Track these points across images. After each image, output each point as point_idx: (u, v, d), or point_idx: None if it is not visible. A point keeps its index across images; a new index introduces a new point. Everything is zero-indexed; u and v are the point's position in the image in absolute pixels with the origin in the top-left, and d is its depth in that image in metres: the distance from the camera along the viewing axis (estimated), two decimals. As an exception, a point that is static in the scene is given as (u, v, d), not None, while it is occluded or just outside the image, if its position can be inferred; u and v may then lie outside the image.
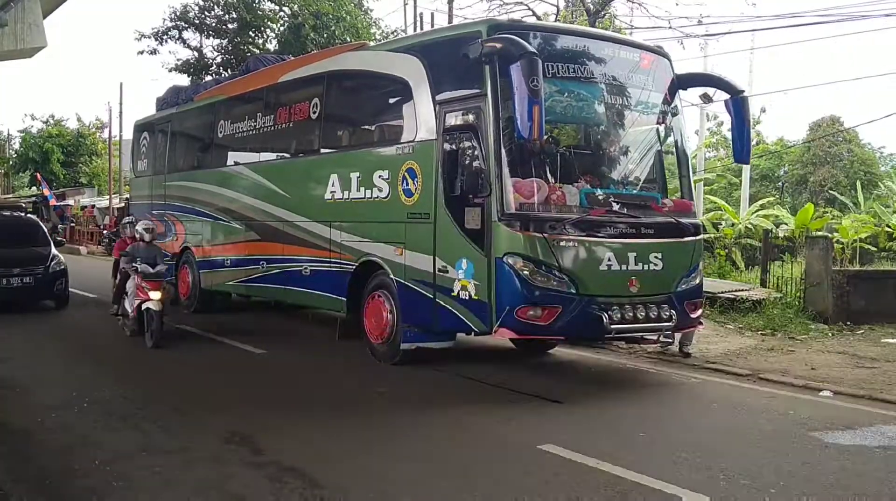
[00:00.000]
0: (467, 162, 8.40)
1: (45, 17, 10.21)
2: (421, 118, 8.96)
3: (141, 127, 16.24)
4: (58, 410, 7.27)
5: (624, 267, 8.19)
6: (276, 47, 25.47)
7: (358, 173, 9.87)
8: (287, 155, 11.82)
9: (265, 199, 11.78)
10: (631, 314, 8.08)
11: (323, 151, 10.69)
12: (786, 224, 21.52)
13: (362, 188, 9.79)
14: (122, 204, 33.54)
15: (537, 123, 7.38)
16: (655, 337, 8.86)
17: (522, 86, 7.43)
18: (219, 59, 26.58)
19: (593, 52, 8.54)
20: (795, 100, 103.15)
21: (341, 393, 8.29)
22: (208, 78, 23.20)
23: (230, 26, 26.32)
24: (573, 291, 7.98)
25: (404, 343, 9.18)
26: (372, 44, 10.44)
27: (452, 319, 8.51)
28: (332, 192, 10.32)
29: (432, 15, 22.98)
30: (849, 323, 12.48)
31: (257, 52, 25.21)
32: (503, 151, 8.01)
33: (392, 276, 9.25)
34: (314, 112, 10.82)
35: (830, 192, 39.30)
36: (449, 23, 19.45)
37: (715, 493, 5.19)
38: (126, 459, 5.82)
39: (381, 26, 27.34)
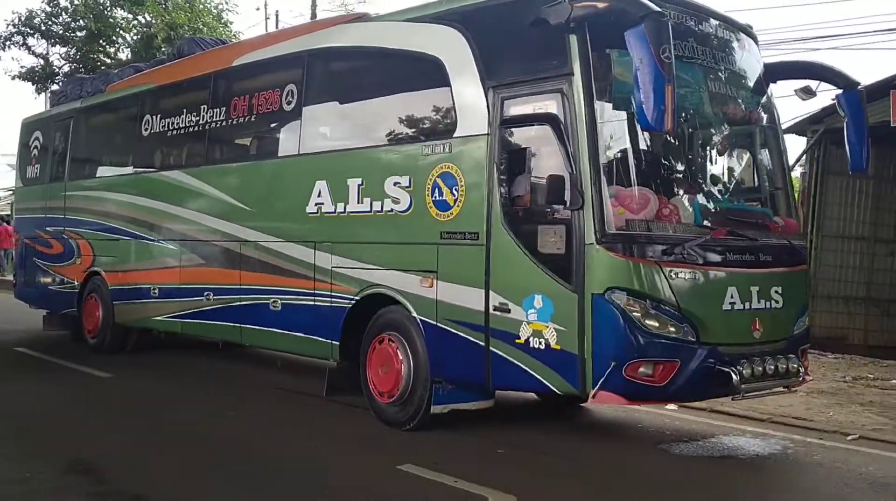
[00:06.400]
0: (543, 164, 5.97)
1: None
2: (462, 108, 6.47)
3: (31, 126, 12.68)
4: None
5: (747, 305, 5.97)
6: (129, 57, 23.18)
7: (360, 180, 7.22)
8: (247, 157, 8.97)
9: (213, 213, 8.84)
10: (760, 368, 5.86)
11: (304, 151, 7.90)
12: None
13: (367, 199, 7.14)
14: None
15: (671, 109, 5.10)
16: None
17: (648, 58, 5.13)
18: (66, 68, 24.09)
19: (692, 27, 6.29)
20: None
21: (194, 418, 7.35)
22: (55, 87, 20.63)
23: (78, 34, 23.97)
24: (693, 338, 5.69)
25: (436, 405, 6.59)
26: (376, 14, 7.71)
27: (518, 375, 6.03)
28: (317, 204, 7.60)
29: (294, 29, 20.46)
30: None
31: (108, 61, 23.18)
32: (600, 149, 5.65)
33: (415, 314, 6.67)
34: (289, 102, 8.06)
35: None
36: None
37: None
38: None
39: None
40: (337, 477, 5.61)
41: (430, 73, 6.74)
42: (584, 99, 5.66)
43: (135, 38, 24.33)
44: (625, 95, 5.71)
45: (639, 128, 5.74)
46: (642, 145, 5.96)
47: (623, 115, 5.82)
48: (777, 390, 6.18)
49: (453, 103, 6.53)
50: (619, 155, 5.80)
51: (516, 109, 6.12)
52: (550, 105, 5.88)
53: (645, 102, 5.12)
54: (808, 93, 6.89)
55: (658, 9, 5.25)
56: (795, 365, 6.09)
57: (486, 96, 6.25)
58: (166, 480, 5.48)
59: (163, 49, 21.34)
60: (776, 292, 6.16)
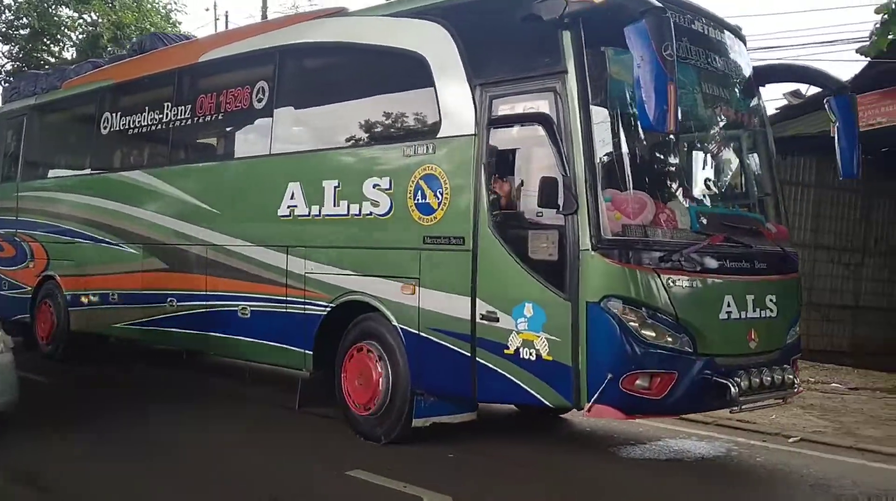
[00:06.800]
0: (534, 166, 5.67)
1: None
2: (447, 107, 6.11)
3: (-19, 123, 12.08)
4: None
5: (743, 314, 5.70)
6: (74, 56, 22.45)
7: (336, 182, 6.82)
8: (214, 157, 8.49)
9: (177, 215, 8.32)
10: (757, 380, 5.58)
11: (275, 151, 7.47)
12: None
13: (343, 202, 6.74)
14: None
15: (673, 108, 4.82)
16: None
17: (650, 56, 4.86)
18: (9, 66, 23.43)
19: (686, 27, 5.98)
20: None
21: (144, 425, 6.88)
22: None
23: (21, 32, 23.16)
24: (690, 349, 5.41)
25: (417, 418, 6.22)
26: (354, 9, 7.31)
27: (506, 387, 5.68)
28: (290, 207, 7.17)
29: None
30: None
31: (53, 60, 22.44)
32: (596, 151, 5.35)
33: (395, 323, 6.29)
34: (259, 100, 7.62)
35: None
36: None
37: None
38: None
39: None
40: (282, 484, 5.44)
41: (412, 70, 6.37)
42: (579, 98, 5.35)
43: (80, 37, 23.58)
44: (620, 95, 5.47)
45: (634, 129, 5.49)
46: (638, 147, 5.67)
47: (618, 115, 5.52)
48: (773, 402, 5.94)
49: (437, 102, 6.16)
50: (614, 157, 5.47)
51: (506, 108, 5.79)
52: (542, 104, 5.56)
53: (647, 102, 4.83)
54: (797, 96, 6.68)
55: (659, 4, 4.97)
56: (791, 376, 5.85)
57: (473, 95, 5.90)
58: (109, 488, 5.26)
59: (109, 49, 20.77)
60: (771, 300, 5.91)
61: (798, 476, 6.06)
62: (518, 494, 5.49)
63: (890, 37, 4.48)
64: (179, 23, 24.92)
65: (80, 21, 23.56)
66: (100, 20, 22.56)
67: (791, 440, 7.05)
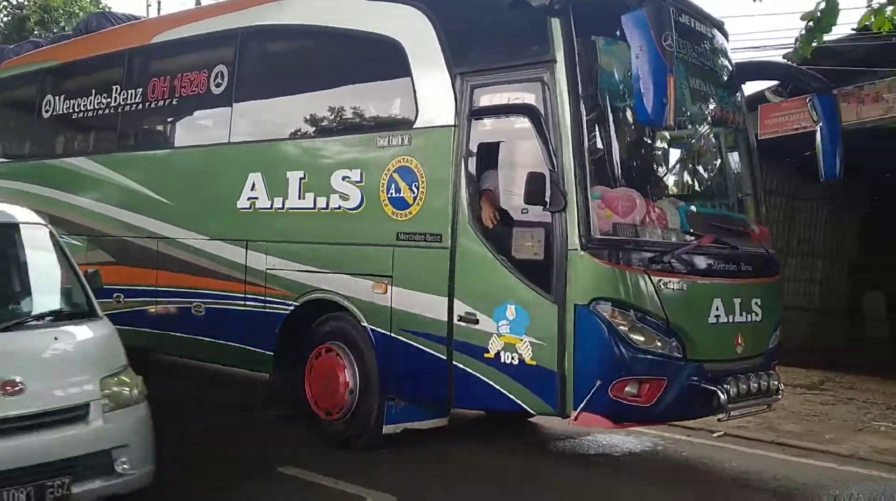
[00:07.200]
0: (518, 160, 5.34)
1: None
2: (424, 96, 5.73)
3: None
4: None
5: (731, 318, 5.47)
6: None
7: (302, 173, 6.39)
8: (166, 144, 7.92)
9: (125, 205, 7.72)
10: (745, 386, 5.35)
11: (234, 139, 6.97)
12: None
13: (309, 195, 6.31)
14: None
15: (672, 102, 4.54)
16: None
17: (649, 46, 4.56)
18: None
19: (674, 19, 5.74)
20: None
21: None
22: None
23: None
24: (679, 354, 5.15)
25: (388, 424, 5.84)
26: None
27: (485, 393, 5.33)
28: (250, 199, 6.70)
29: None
30: None
31: None
32: (585, 146, 5.05)
33: (365, 323, 5.90)
34: (218, 85, 7.11)
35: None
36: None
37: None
38: None
39: None
40: (217, 479, 5.22)
41: (386, 56, 5.98)
42: (568, 89, 5.04)
43: (5, 19, 22.76)
44: (612, 87, 5.21)
45: (625, 123, 5.23)
46: (629, 142, 5.40)
47: (609, 108, 5.23)
48: (759, 408, 5.74)
49: (413, 91, 5.78)
50: (604, 152, 5.18)
51: (489, 98, 5.45)
52: (528, 95, 5.24)
53: (645, 94, 4.53)
54: (779, 95, 6.48)
55: None
56: (775, 382, 5.66)
57: (454, 84, 5.54)
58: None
59: (36, 32, 19.81)
60: (756, 303, 5.70)
61: (721, 469, 6.14)
62: (463, 492, 5.39)
63: (814, 44, 4.39)
64: (109, 8, 24.00)
65: (6, 3, 22.57)
66: (26, 2, 21.62)
67: (715, 435, 7.10)
